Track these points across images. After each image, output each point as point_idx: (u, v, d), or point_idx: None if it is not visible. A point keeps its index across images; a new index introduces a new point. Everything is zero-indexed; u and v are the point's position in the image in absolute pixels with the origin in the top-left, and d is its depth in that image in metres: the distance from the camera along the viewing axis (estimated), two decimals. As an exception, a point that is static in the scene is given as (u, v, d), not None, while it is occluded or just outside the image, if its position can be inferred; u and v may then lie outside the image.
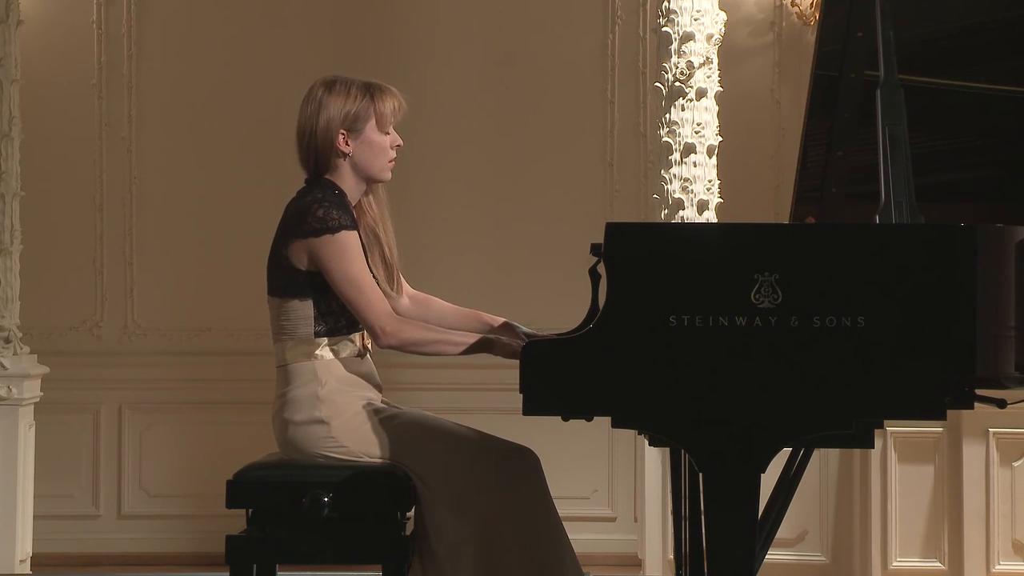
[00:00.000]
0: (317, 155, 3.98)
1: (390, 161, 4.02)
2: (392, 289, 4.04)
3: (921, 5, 4.27)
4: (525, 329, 4.11)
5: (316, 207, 3.88)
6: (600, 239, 3.42)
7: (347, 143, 3.97)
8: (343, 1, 7.04)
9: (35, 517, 6.19)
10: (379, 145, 4.00)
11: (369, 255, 3.97)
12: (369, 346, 4.02)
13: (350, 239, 3.87)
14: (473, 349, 3.89)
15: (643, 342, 3.32)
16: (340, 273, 3.85)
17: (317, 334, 3.92)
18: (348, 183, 3.99)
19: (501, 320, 4.15)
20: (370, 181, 4.03)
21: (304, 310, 3.91)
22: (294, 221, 3.90)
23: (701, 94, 5.73)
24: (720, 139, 5.80)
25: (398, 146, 4.04)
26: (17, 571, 6.02)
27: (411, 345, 3.89)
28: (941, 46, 4.33)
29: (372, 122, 3.98)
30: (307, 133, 3.97)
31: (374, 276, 3.94)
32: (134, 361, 6.99)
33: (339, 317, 3.93)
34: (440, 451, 3.87)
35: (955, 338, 3.33)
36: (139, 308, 7.05)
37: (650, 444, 4.45)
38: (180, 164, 7.04)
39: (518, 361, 3.41)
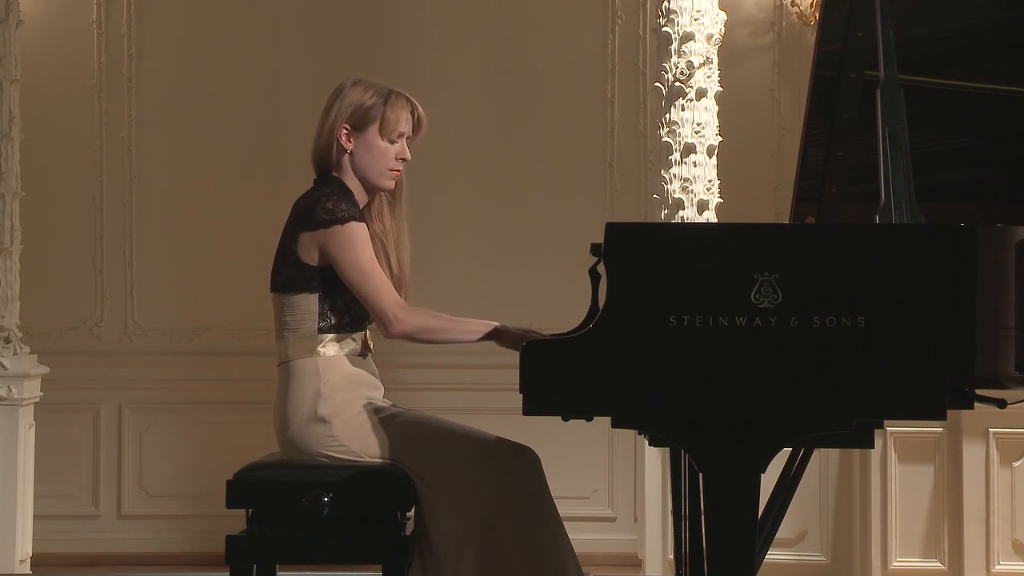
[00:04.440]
0: (323, 147, 4.00)
1: (391, 171, 4.01)
2: (400, 295, 4.02)
3: (921, 5, 4.27)
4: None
5: (325, 200, 3.90)
6: (600, 239, 3.42)
7: (348, 140, 3.98)
8: (343, 1, 7.04)
9: (35, 517, 6.19)
10: (378, 150, 4.00)
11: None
12: (371, 345, 4.03)
13: (359, 230, 3.88)
14: (484, 337, 3.90)
15: (643, 342, 3.32)
16: (349, 263, 3.86)
17: (321, 330, 3.92)
18: (353, 183, 4.00)
19: None
20: (368, 187, 4.03)
21: (309, 304, 3.92)
22: (303, 214, 3.92)
23: (701, 94, 5.73)
24: (720, 139, 5.80)
25: (403, 160, 4.03)
26: (17, 571, 6.02)
27: (423, 332, 3.89)
28: (941, 46, 4.33)
29: (376, 125, 3.99)
30: (319, 124, 4.01)
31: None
32: (134, 361, 6.99)
33: (344, 314, 3.93)
34: (441, 450, 3.87)
35: (955, 338, 3.33)
36: (139, 308, 7.05)
37: (650, 444, 4.45)
38: (180, 164, 7.04)
39: (518, 360, 3.41)
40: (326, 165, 4.02)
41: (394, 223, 4.07)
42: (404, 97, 4.03)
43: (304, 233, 3.90)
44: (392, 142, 4.01)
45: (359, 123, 3.99)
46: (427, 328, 3.89)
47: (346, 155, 4.00)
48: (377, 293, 3.87)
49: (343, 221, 3.87)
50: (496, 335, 3.89)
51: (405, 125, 4.02)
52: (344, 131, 3.98)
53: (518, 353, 3.40)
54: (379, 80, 4.08)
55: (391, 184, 4.03)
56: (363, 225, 3.91)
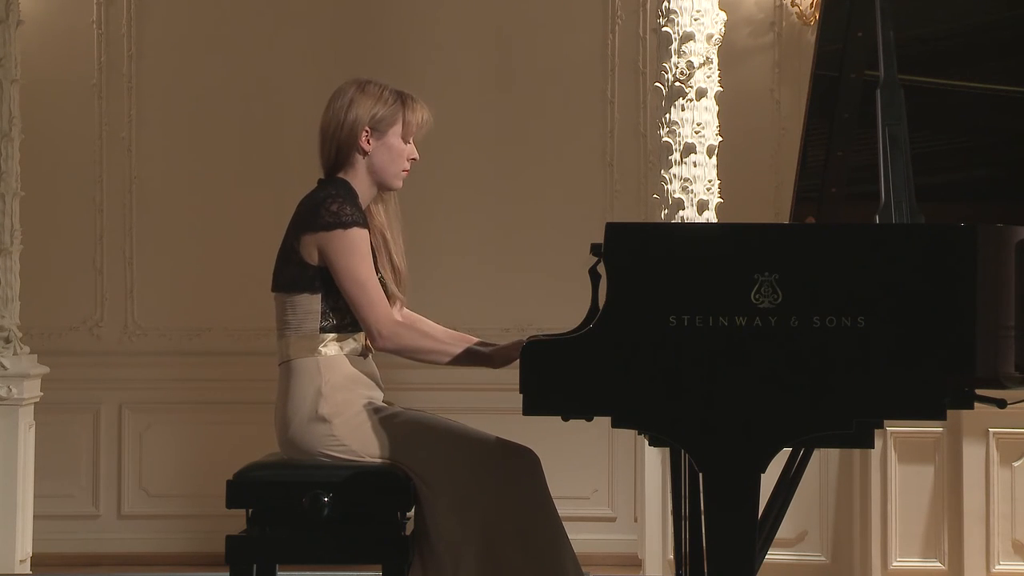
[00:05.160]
0: (339, 149, 4.01)
1: (404, 171, 4.06)
2: (400, 291, 4.05)
3: (921, 5, 4.28)
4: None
5: (330, 202, 3.91)
6: (600, 239, 3.42)
7: (369, 142, 4.00)
8: (343, 1, 7.04)
9: (35, 517, 6.19)
10: (397, 151, 4.03)
11: (378, 257, 3.99)
12: (371, 346, 4.03)
13: (360, 236, 3.89)
14: (467, 361, 3.96)
15: (643, 342, 3.32)
16: (346, 269, 3.88)
17: (323, 329, 3.93)
18: (361, 184, 4.02)
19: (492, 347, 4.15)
20: (381, 186, 4.06)
21: (311, 304, 3.92)
22: (307, 215, 3.93)
23: (701, 94, 5.73)
24: (720, 139, 5.80)
25: (413, 159, 4.07)
26: (17, 571, 6.02)
27: (406, 351, 3.96)
28: (941, 46, 4.33)
29: (397, 127, 4.03)
30: (333, 126, 4.02)
31: (381, 279, 3.96)
32: (134, 361, 6.99)
33: (345, 314, 3.94)
34: (441, 451, 3.88)
35: (955, 338, 3.33)
36: (139, 308, 7.05)
37: (650, 444, 4.45)
38: (180, 164, 7.04)
39: (518, 361, 3.42)
40: (338, 166, 4.03)
41: (390, 217, 4.10)
42: (417, 99, 4.09)
43: (306, 234, 3.91)
44: (407, 143, 4.05)
45: (379, 126, 4.02)
46: (411, 348, 3.96)
47: (363, 157, 4.02)
48: (369, 305, 3.89)
49: (346, 226, 3.88)
50: (484, 360, 3.95)
51: (422, 127, 4.08)
52: (365, 134, 4.00)
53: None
54: (381, 80, 4.10)
55: (401, 183, 4.07)
56: (365, 232, 3.91)
